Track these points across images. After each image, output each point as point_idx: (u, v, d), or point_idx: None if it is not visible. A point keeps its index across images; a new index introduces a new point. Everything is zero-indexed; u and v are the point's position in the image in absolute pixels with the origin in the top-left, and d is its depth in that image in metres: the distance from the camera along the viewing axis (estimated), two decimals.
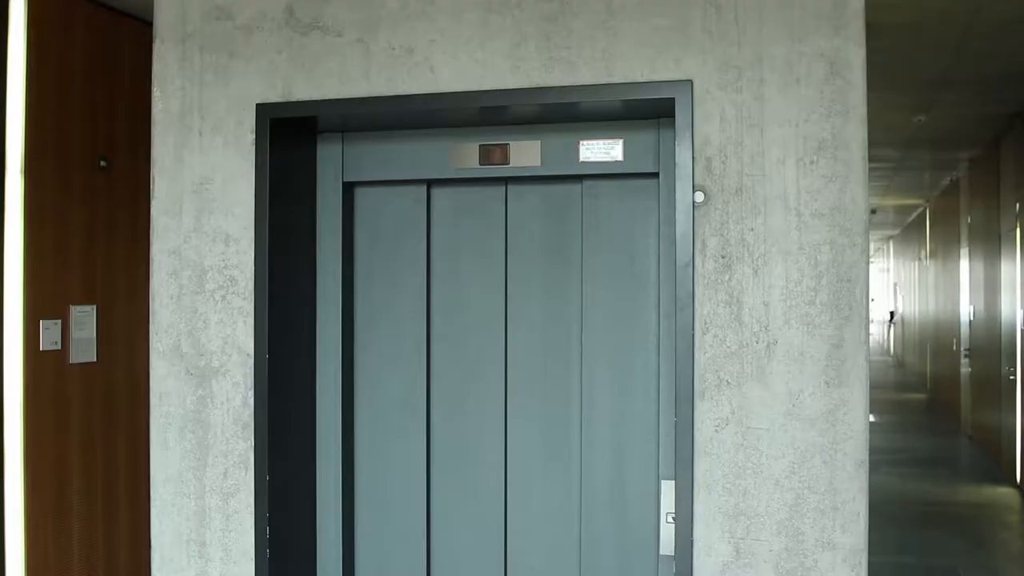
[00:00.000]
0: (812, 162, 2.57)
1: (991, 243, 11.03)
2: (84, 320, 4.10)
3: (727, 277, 2.64)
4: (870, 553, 2.58)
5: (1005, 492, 9.68)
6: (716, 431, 2.64)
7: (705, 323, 2.65)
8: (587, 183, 2.98)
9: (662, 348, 2.85)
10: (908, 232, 22.60)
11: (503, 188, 3.07)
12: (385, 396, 3.17)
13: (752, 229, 2.63)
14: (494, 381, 3.08)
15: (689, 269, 2.64)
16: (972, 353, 12.65)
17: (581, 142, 2.86)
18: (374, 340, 3.18)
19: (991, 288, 11.03)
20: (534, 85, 2.72)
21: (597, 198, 2.98)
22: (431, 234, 3.14)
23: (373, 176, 3.08)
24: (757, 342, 2.62)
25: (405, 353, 3.15)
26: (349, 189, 3.13)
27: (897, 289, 26.73)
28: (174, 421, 3.03)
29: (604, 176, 2.94)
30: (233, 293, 2.98)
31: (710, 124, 2.63)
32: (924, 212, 18.56)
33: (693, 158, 2.63)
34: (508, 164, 2.91)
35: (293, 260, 3.05)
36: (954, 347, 14.12)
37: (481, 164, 2.94)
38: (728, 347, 2.64)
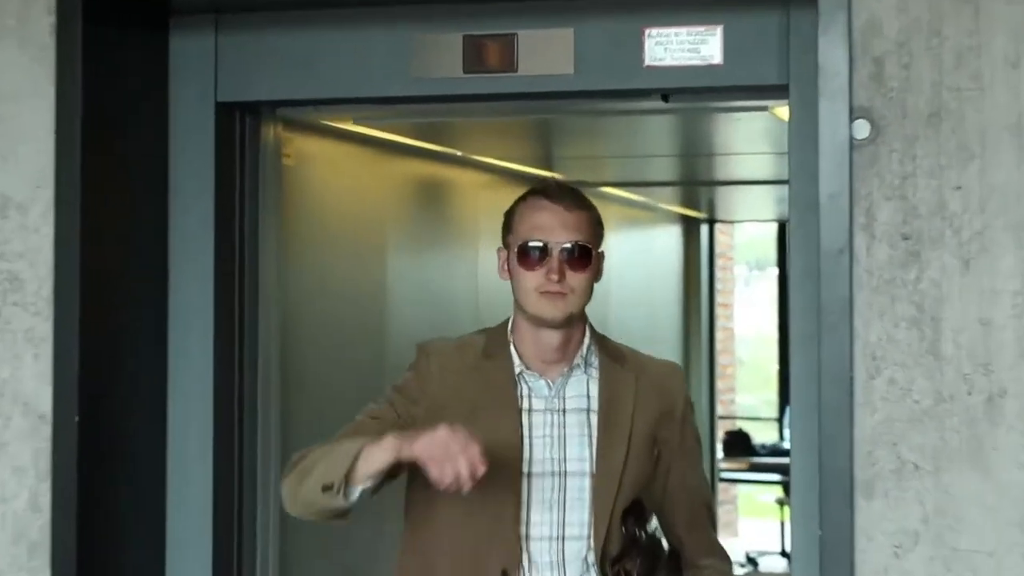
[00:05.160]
0: None
1: None
2: None
3: (913, 274, 1.95)
4: None
5: None
6: (896, 556, 1.93)
7: (874, 358, 1.95)
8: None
9: (793, 399, 2.06)
10: None
11: None
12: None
13: (959, 187, 1.93)
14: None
15: (844, 258, 1.93)
16: None
17: (647, 31, 2.06)
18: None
19: None
20: None
21: None
22: None
23: (271, 94, 2.27)
24: (970, 393, 1.94)
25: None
26: (228, 115, 2.28)
27: None
28: None
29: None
30: (14, 304, 2.16)
31: None
32: None
33: (851, 59, 1.96)
34: (514, 71, 2.08)
35: (126, 244, 2.25)
36: None
37: (467, 72, 2.10)
38: (916, 401, 1.96)
